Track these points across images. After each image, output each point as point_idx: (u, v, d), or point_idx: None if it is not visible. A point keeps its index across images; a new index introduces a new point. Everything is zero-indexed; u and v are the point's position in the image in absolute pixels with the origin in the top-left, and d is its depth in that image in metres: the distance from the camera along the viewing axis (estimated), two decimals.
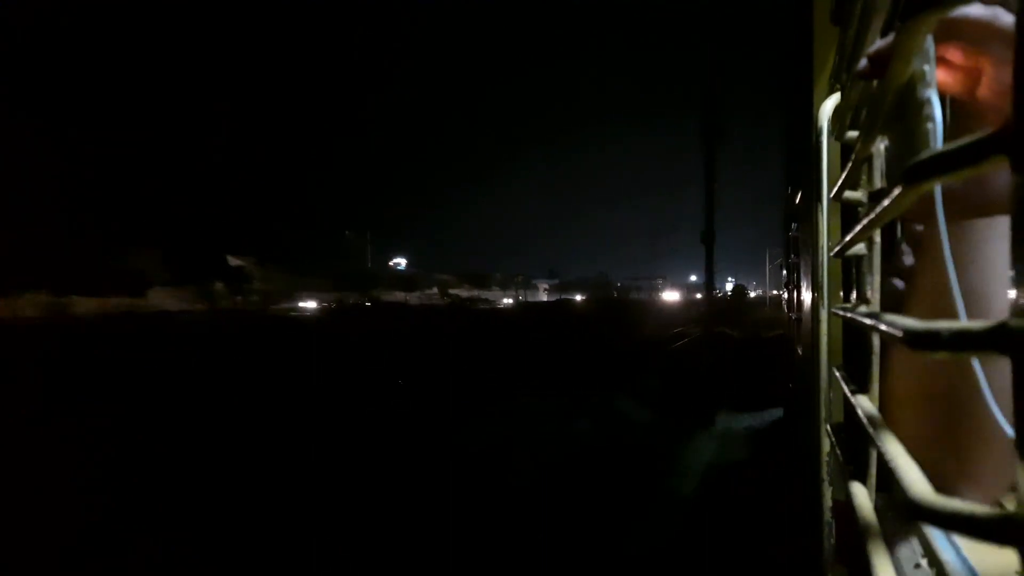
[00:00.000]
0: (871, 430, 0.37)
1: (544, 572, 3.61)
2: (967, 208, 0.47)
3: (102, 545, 3.86)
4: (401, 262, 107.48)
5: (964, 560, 0.43)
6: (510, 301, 76.36)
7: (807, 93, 1.41)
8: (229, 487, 5.01)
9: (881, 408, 0.42)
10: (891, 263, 0.67)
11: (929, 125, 0.34)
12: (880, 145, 0.44)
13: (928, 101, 0.35)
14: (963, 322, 0.20)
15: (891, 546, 0.46)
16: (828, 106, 0.89)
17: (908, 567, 0.46)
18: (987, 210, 0.47)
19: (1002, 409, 0.42)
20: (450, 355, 14.60)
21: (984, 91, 0.44)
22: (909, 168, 0.26)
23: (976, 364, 0.39)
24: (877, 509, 0.43)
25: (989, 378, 0.41)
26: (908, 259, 0.69)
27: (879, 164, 0.45)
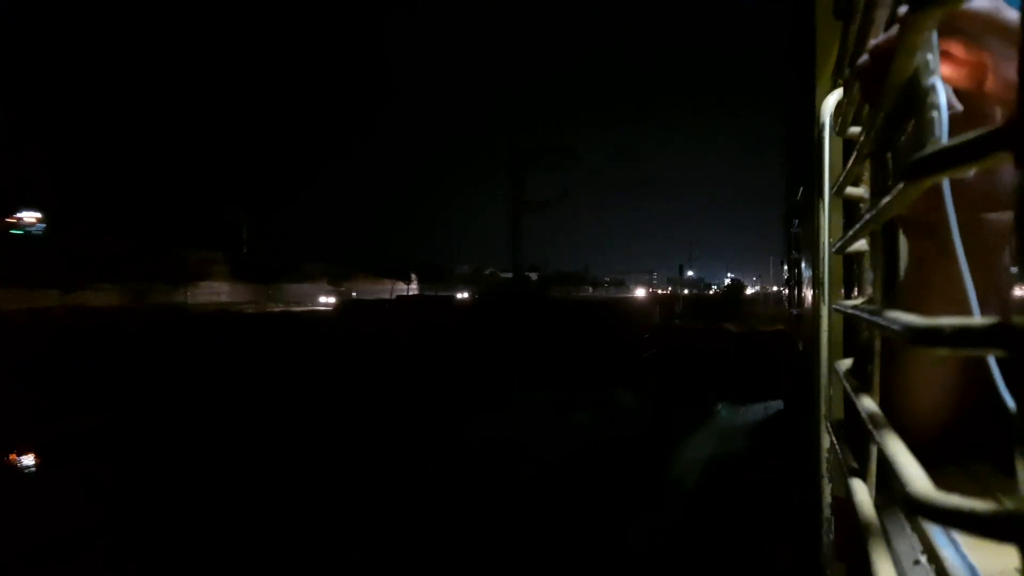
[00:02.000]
0: (871, 426, 0.37)
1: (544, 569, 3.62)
2: (973, 204, 0.46)
3: None
4: (28, 217, 52.84)
5: (964, 557, 0.43)
6: (330, 300, 56.53)
7: (809, 88, 1.40)
8: None
9: (882, 404, 0.42)
10: (893, 259, 0.67)
11: (934, 114, 0.34)
12: (883, 141, 0.43)
13: (933, 92, 0.34)
14: (965, 319, 0.20)
15: (890, 543, 0.46)
16: (831, 101, 0.88)
17: (907, 564, 0.46)
18: (992, 206, 0.47)
19: (1002, 405, 0.42)
20: None
21: (988, 86, 0.43)
22: (911, 164, 0.26)
23: (992, 360, 0.39)
24: (877, 505, 0.43)
25: (988, 375, 0.41)
26: (910, 255, 0.69)
27: (881, 160, 0.45)
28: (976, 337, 0.19)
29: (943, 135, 0.34)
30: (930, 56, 0.34)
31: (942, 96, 0.34)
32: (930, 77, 0.34)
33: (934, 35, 0.34)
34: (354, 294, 70.22)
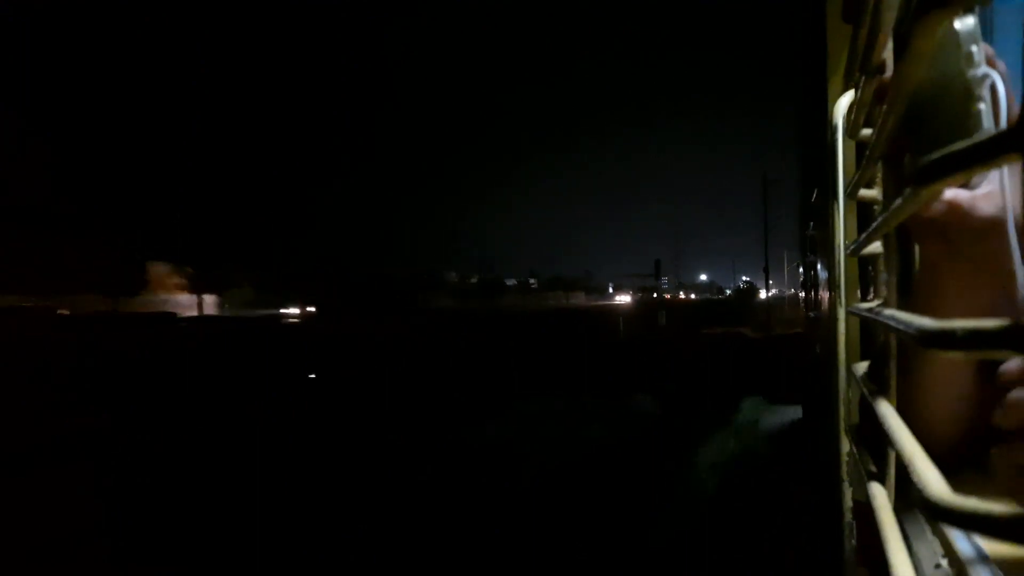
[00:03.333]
0: (889, 430, 0.37)
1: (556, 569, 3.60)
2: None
3: None
4: None
5: (985, 559, 0.42)
6: None
7: (821, 91, 1.40)
8: None
9: (899, 407, 0.42)
10: (908, 262, 0.66)
11: (981, 106, 0.33)
12: (895, 143, 0.43)
13: (980, 83, 0.34)
14: (978, 320, 0.20)
15: (911, 546, 0.46)
16: (843, 104, 0.88)
17: (928, 567, 0.46)
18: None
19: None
20: None
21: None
22: (922, 167, 0.26)
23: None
24: (896, 509, 0.43)
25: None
26: (921, 258, 0.68)
27: (893, 162, 0.45)
28: (989, 339, 0.19)
29: (998, 124, 0.33)
30: (974, 47, 0.34)
31: (999, 84, 0.33)
32: (975, 68, 0.34)
33: (977, 26, 0.34)
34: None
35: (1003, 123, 0.33)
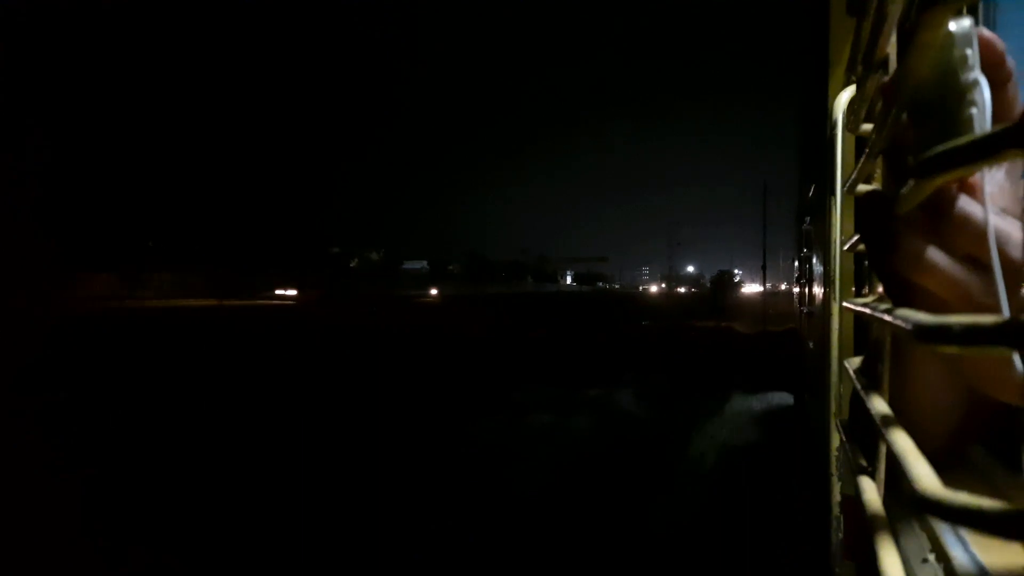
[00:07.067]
0: (880, 424, 0.37)
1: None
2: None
3: None
4: None
5: (972, 555, 0.43)
6: None
7: (823, 85, 1.40)
8: None
9: (891, 402, 0.42)
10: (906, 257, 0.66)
11: (973, 111, 0.33)
12: (895, 138, 0.43)
13: (972, 88, 0.33)
14: (973, 316, 0.20)
15: (899, 541, 0.46)
16: (844, 98, 0.88)
17: (916, 562, 0.46)
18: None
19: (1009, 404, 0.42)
20: None
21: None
22: (923, 161, 0.26)
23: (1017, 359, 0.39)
24: (885, 504, 0.43)
25: (998, 371, 0.40)
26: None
27: (893, 157, 0.45)
28: (984, 335, 0.19)
29: (987, 122, 0.33)
30: (968, 51, 0.33)
31: (986, 92, 0.33)
32: (968, 72, 0.33)
33: (973, 29, 0.34)
34: None
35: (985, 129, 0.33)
